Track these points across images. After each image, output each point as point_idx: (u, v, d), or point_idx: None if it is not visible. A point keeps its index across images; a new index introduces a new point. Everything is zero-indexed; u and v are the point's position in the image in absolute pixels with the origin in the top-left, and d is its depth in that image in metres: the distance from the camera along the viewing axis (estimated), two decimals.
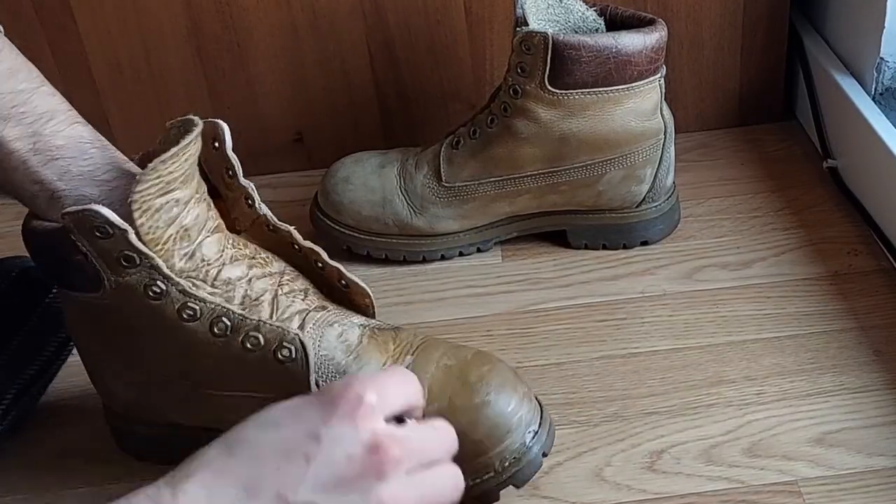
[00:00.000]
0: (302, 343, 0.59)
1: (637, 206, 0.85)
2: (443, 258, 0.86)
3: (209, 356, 0.60)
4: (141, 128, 0.97)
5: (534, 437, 0.62)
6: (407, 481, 0.48)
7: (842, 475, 0.65)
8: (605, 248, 0.87)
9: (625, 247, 0.86)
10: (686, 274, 0.83)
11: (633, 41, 0.77)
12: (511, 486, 0.62)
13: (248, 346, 0.59)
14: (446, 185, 0.84)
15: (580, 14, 0.81)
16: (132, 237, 0.56)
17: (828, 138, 0.94)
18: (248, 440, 0.47)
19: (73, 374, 0.75)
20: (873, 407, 0.69)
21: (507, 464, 0.61)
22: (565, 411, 0.71)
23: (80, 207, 0.56)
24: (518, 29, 0.78)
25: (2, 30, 0.62)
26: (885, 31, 0.85)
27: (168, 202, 0.58)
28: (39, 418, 0.74)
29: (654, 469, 0.66)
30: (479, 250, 0.87)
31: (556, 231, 0.87)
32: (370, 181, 0.85)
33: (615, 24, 0.81)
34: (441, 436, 0.53)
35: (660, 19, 0.79)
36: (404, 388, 0.52)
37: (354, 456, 0.46)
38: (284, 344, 0.59)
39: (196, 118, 0.61)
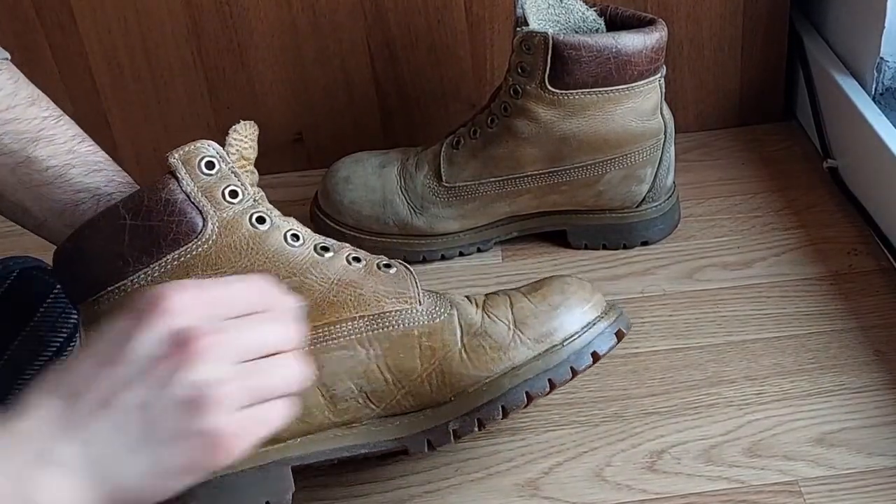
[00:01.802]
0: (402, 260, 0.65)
1: (637, 206, 0.85)
2: (443, 258, 0.86)
3: (318, 278, 0.61)
4: (141, 128, 0.97)
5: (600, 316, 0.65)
6: (229, 369, 0.49)
7: (842, 475, 0.65)
8: (605, 248, 0.87)
9: (625, 247, 0.86)
10: (686, 274, 0.83)
11: (633, 41, 0.77)
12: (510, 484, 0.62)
13: (352, 260, 0.63)
14: (446, 185, 0.84)
15: (580, 14, 0.81)
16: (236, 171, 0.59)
17: (828, 138, 0.94)
18: (70, 362, 0.50)
19: None
20: (873, 407, 0.69)
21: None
22: (565, 411, 0.71)
23: (188, 145, 0.58)
24: (518, 29, 0.78)
25: (9, 56, 0.63)
26: (885, 31, 0.85)
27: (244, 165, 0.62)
28: None
29: (655, 469, 0.66)
30: (479, 250, 0.87)
31: (556, 231, 0.87)
32: (370, 181, 0.85)
33: (615, 24, 0.81)
34: (279, 326, 0.52)
35: (660, 19, 0.79)
36: (228, 288, 0.52)
37: (159, 354, 0.48)
38: (385, 260, 0.64)
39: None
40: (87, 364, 0.49)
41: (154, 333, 0.48)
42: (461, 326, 0.62)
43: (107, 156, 0.63)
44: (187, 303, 0.49)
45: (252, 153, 0.63)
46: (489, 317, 0.64)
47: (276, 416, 0.51)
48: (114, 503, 0.48)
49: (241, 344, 0.50)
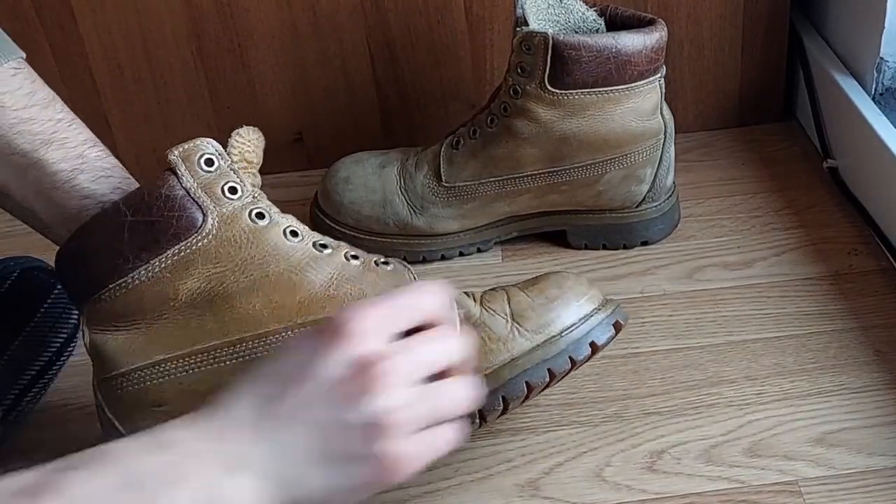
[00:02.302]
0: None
1: (637, 206, 0.85)
2: (443, 258, 0.86)
3: (318, 273, 0.61)
4: (141, 128, 0.97)
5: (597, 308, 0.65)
6: (407, 395, 0.50)
7: (842, 475, 0.65)
8: (605, 248, 0.87)
9: (625, 247, 0.86)
10: (686, 274, 0.83)
11: (633, 41, 0.77)
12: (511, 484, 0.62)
13: (350, 257, 0.63)
14: (446, 185, 0.84)
15: (580, 14, 0.81)
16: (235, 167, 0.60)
17: (828, 138, 0.94)
18: (250, 377, 0.52)
19: (73, 373, 0.75)
20: (874, 407, 0.69)
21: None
22: (565, 411, 0.71)
23: (188, 143, 0.59)
24: (518, 29, 0.78)
25: (24, 56, 0.63)
26: (885, 31, 0.85)
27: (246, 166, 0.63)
28: (40, 418, 0.74)
29: (655, 469, 0.66)
30: (479, 250, 0.87)
31: (556, 231, 0.87)
32: (370, 181, 0.85)
33: (615, 24, 0.81)
34: (446, 345, 0.54)
35: (660, 19, 0.79)
36: (412, 304, 0.54)
37: (344, 378, 0.49)
38: (382, 258, 0.64)
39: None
40: (275, 378, 0.51)
41: (339, 356, 0.50)
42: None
43: (116, 161, 0.63)
44: (369, 326, 0.51)
45: (255, 157, 0.63)
46: (487, 310, 0.64)
47: (447, 439, 0.52)
48: None
49: (417, 364, 0.51)
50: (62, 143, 0.61)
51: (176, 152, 0.59)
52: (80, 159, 0.62)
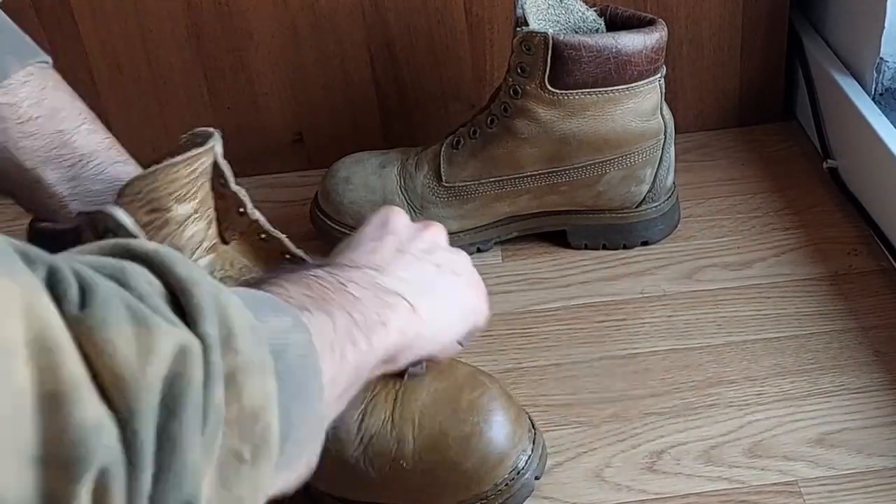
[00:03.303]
0: None
1: (637, 207, 0.85)
2: None
3: None
4: (141, 128, 0.97)
5: (526, 462, 0.62)
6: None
7: (842, 475, 0.65)
8: (605, 248, 0.87)
9: (625, 247, 0.86)
10: (686, 274, 0.83)
11: (633, 41, 0.77)
12: None
13: None
14: (446, 185, 0.83)
15: (580, 14, 0.81)
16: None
17: (828, 138, 0.94)
18: (345, 249, 0.59)
19: None
20: (873, 407, 0.69)
21: (500, 490, 0.61)
22: (565, 412, 0.71)
23: (95, 207, 0.57)
24: (518, 29, 0.78)
25: (50, 61, 0.62)
26: (885, 31, 0.85)
27: (156, 219, 0.58)
28: None
29: (654, 469, 0.66)
30: (479, 250, 0.87)
31: (556, 231, 0.87)
32: (370, 181, 0.85)
33: (615, 24, 0.81)
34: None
35: (660, 19, 0.79)
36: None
37: (414, 230, 0.61)
38: None
39: (210, 131, 0.60)
40: (363, 240, 0.59)
41: (402, 219, 0.61)
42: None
43: (107, 178, 0.63)
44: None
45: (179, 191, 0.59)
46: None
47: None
48: (439, 324, 0.56)
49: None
50: (60, 162, 0.62)
51: (81, 216, 0.57)
52: (74, 181, 0.62)
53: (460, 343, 0.61)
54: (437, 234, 0.62)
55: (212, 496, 0.35)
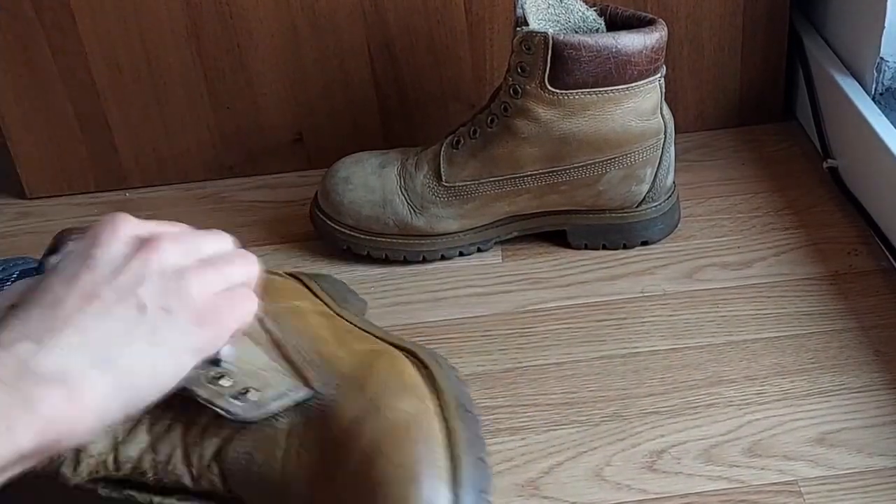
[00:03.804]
0: None
1: (637, 206, 0.85)
2: (443, 258, 0.86)
3: None
4: (141, 128, 0.97)
5: None
6: (195, 260, 0.52)
7: (842, 475, 0.65)
8: (605, 248, 0.87)
9: (625, 247, 0.86)
10: (686, 274, 0.83)
11: (633, 41, 0.77)
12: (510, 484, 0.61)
13: None
14: (446, 184, 0.84)
15: (580, 14, 0.81)
16: None
17: (828, 138, 0.94)
18: (34, 289, 0.50)
19: None
20: (873, 407, 0.69)
21: None
22: (565, 411, 0.71)
23: None
24: (518, 29, 0.78)
25: None
26: (885, 31, 0.85)
27: None
28: None
29: (654, 469, 0.66)
30: (479, 250, 0.87)
31: (556, 231, 0.87)
32: (370, 181, 0.85)
33: (615, 24, 0.81)
34: (228, 244, 0.56)
35: (660, 19, 0.79)
36: (183, 230, 0.54)
37: (128, 254, 0.50)
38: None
39: None
40: (59, 281, 0.49)
41: (117, 239, 0.51)
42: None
43: None
44: (140, 222, 0.52)
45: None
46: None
47: (248, 298, 0.54)
48: (128, 390, 0.48)
49: (201, 245, 0.53)
50: None
51: None
52: None
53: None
54: (154, 255, 0.51)
55: None
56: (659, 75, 0.80)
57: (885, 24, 0.85)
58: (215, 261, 0.53)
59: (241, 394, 0.55)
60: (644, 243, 0.87)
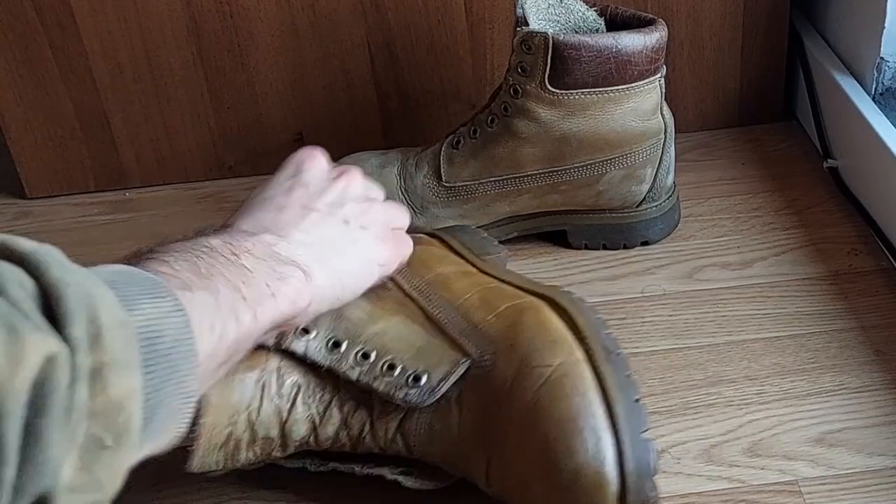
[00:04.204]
0: None
1: (637, 206, 0.85)
2: None
3: None
4: (141, 128, 0.97)
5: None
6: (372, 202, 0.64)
7: (842, 475, 0.65)
8: (605, 248, 0.87)
9: (625, 247, 0.86)
10: (686, 274, 0.83)
11: (633, 41, 0.77)
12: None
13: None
14: (446, 184, 0.84)
15: (580, 14, 0.81)
16: None
17: (828, 138, 0.94)
18: (253, 203, 0.60)
19: None
20: (873, 407, 0.69)
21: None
22: None
23: None
24: (518, 29, 0.78)
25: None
26: (885, 31, 0.85)
27: None
28: None
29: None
30: None
31: (556, 231, 0.87)
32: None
33: (615, 24, 0.81)
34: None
35: (660, 19, 0.79)
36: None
37: (330, 177, 0.62)
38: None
39: None
40: (277, 195, 0.60)
41: (318, 164, 0.63)
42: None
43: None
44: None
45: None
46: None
47: (407, 242, 0.66)
48: (337, 287, 0.58)
49: (373, 189, 0.66)
50: None
51: None
52: None
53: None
54: (349, 183, 0.63)
55: (73, 479, 0.38)
56: (659, 75, 0.80)
57: (885, 24, 0.85)
58: (387, 203, 0.65)
59: (414, 381, 0.60)
60: (644, 243, 0.87)
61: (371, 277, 0.62)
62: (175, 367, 0.44)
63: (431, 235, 0.75)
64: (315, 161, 0.63)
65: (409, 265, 0.67)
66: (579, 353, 0.59)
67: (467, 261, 0.71)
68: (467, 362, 0.61)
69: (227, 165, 1.00)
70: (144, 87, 0.95)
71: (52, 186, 1.00)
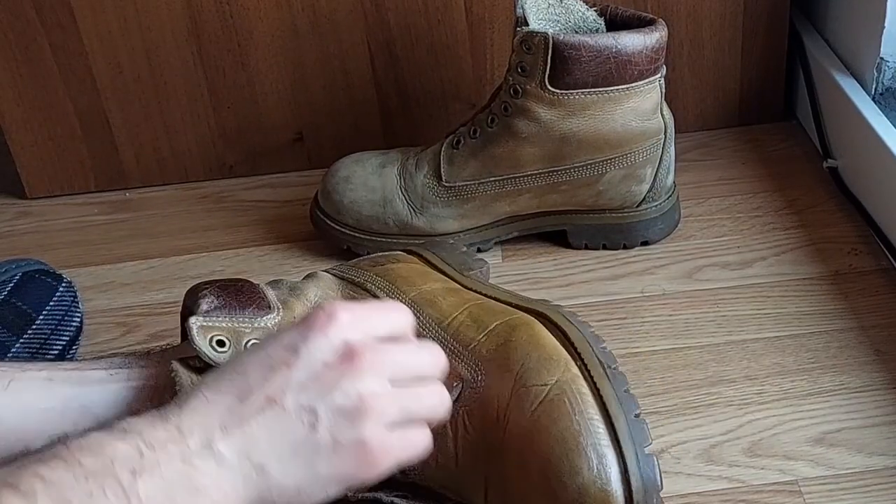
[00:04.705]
0: None
1: (637, 206, 0.85)
2: None
3: None
4: (141, 128, 0.97)
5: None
6: (387, 385, 0.52)
7: (842, 475, 0.65)
8: (605, 247, 0.87)
9: (625, 247, 0.87)
10: (686, 274, 0.83)
11: (633, 41, 0.77)
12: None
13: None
14: (446, 184, 0.84)
15: (580, 14, 0.81)
16: None
17: (828, 138, 0.94)
18: (235, 363, 0.52)
19: None
20: (873, 406, 0.69)
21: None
22: None
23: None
24: (518, 29, 0.78)
25: None
26: (885, 31, 0.85)
27: None
28: None
29: None
30: (479, 250, 0.87)
31: (556, 231, 0.87)
32: (370, 181, 0.85)
33: (615, 24, 0.81)
34: (426, 353, 0.56)
35: (660, 19, 0.79)
36: (384, 314, 0.56)
37: (330, 362, 0.51)
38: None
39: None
40: (258, 365, 0.51)
41: (326, 341, 0.51)
42: None
43: None
44: (355, 319, 0.52)
45: None
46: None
47: (421, 440, 0.53)
48: (266, 501, 0.49)
49: (399, 362, 0.53)
50: None
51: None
52: None
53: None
54: (348, 372, 0.51)
55: None
56: (659, 75, 0.80)
57: (885, 24, 0.85)
58: (407, 388, 0.53)
59: None
60: (644, 243, 0.87)
61: (323, 496, 0.51)
62: None
63: (409, 252, 0.73)
64: (324, 333, 0.52)
65: (392, 282, 0.65)
66: (575, 369, 0.58)
67: (450, 277, 0.69)
68: (460, 386, 0.59)
69: (228, 165, 1.00)
70: (144, 87, 0.95)
71: (52, 186, 1.00)
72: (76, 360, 0.69)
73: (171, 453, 0.46)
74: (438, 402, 0.55)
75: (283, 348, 0.51)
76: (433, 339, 0.61)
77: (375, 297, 0.64)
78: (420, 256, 0.72)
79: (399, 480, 0.60)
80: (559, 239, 0.87)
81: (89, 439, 0.45)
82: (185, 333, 0.58)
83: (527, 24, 0.78)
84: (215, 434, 0.48)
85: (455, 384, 0.59)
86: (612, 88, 0.78)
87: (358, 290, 0.66)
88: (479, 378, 0.59)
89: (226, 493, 0.47)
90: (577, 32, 0.81)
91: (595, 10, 0.81)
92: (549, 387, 0.57)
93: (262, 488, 0.48)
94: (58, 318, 0.75)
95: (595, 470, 0.55)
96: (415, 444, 0.53)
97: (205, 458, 0.47)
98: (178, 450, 0.46)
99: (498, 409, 0.58)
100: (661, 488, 0.56)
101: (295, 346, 0.51)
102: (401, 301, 0.64)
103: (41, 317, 0.75)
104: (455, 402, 0.58)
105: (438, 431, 0.57)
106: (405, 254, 0.72)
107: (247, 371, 0.51)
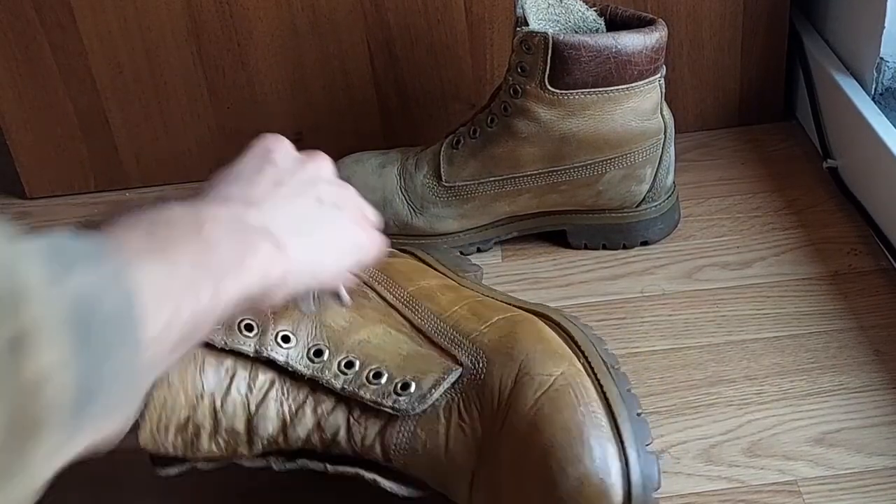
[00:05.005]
0: None
1: (637, 206, 0.85)
2: None
3: None
4: (141, 128, 0.97)
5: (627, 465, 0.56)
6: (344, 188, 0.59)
7: (841, 475, 0.65)
8: (604, 248, 0.87)
9: (625, 247, 0.87)
10: (686, 274, 0.83)
11: (633, 41, 0.77)
12: None
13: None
14: (446, 184, 0.84)
15: (580, 14, 0.81)
16: None
17: (828, 138, 0.94)
18: (221, 177, 0.56)
19: None
20: (873, 406, 0.69)
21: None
22: None
23: None
24: (518, 29, 0.78)
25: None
26: (885, 31, 0.85)
27: None
28: None
29: None
30: (479, 250, 0.87)
31: (556, 231, 0.87)
32: (370, 181, 0.85)
33: (615, 24, 0.81)
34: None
35: (660, 19, 0.79)
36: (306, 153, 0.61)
37: (300, 157, 0.59)
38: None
39: None
40: (247, 168, 0.56)
41: (286, 149, 0.58)
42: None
43: None
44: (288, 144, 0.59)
45: None
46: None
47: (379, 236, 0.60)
48: (316, 264, 0.54)
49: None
50: None
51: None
52: None
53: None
54: (320, 165, 0.59)
55: None
56: (659, 75, 0.80)
57: (885, 24, 0.85)
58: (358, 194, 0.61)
59: (403, 388, 0.59)
60: (644, 243, 0.87)
61: (347, 258, 0.57)
62: (113, 345, 0.39)
63: (404, 252, 0.73)
64: (282, 144, 0.59)
65: (390, 276, 0.65)
66: (579, 366, 0.59)
67: (447, 276, 0.70)
68: (459, 370, 0.59)
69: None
70: (144, 87, 0.95)
71: (52, 186, 1.00)
72: None
73: (220, 211, 0.49)
74: (378, 214, 0.62)
75: (253, 159, 0.56)
76: (433, 329, 0.62)
77: (374, 290, 0.65)
78: (415, 256, 0.72)
79: (382, 466, 0.61)
80: (559, 239, 0.87)
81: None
82: None
83: (527, 24, 0.78)
84: (243, 211, 0.51)
85: (454, 368, 0.59)
86: (611, 88, 0.78)
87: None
88: (481, 365, 0.60)
89: (274, 252, 0.50)
90: (576, 32, 0.81)
91: (595, 10, 0.81)
92: (554, 377, 0.58)
93: (308, 251, 0.53)
94: None
95: (597, 461, 0.55)
96: (380, 235, 0.60)
97: (247, 228, 0.50)
98: (227, 210, 0.50)
99: (500, 395, 0.58)
100: (660, 487, 0.56)
101: (267, 154, 0.57)
102: (399, 295, 0.64)
103: None
104: (452, 386, 0.59)
105: (430, 416, 0.58)
106: (400, 252, 0.73)
107: (241, 174, 0.55)
